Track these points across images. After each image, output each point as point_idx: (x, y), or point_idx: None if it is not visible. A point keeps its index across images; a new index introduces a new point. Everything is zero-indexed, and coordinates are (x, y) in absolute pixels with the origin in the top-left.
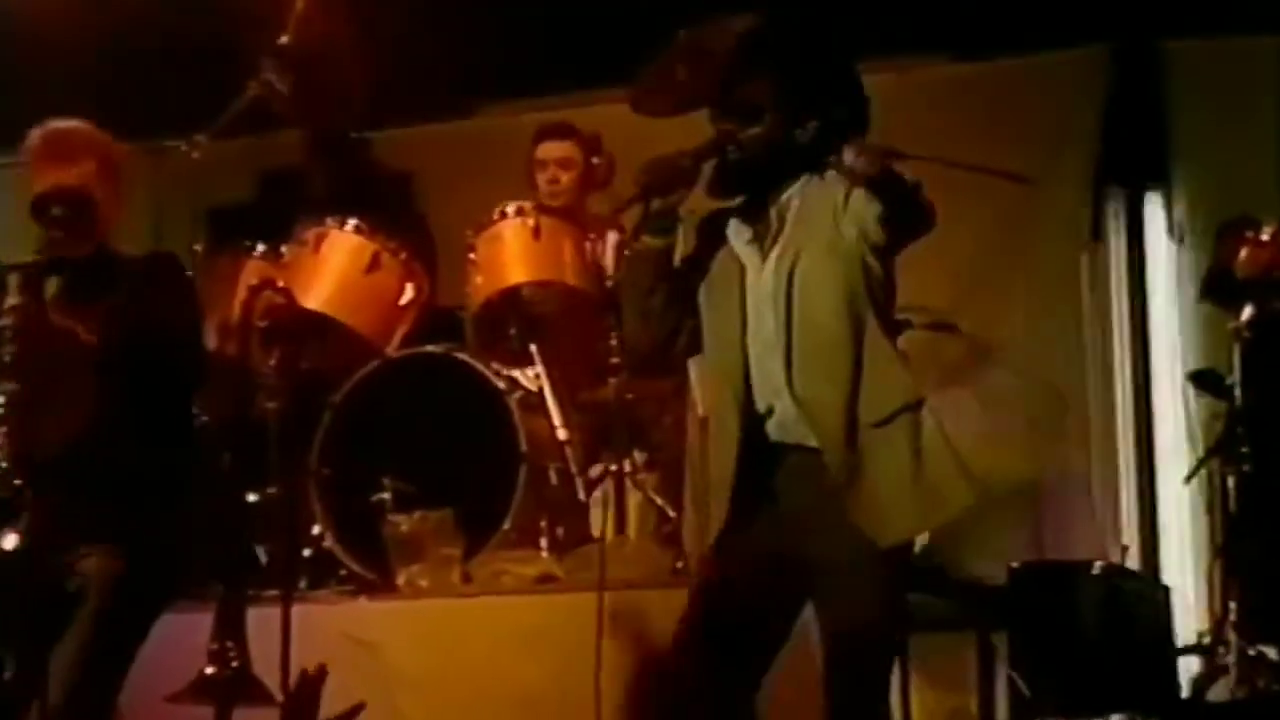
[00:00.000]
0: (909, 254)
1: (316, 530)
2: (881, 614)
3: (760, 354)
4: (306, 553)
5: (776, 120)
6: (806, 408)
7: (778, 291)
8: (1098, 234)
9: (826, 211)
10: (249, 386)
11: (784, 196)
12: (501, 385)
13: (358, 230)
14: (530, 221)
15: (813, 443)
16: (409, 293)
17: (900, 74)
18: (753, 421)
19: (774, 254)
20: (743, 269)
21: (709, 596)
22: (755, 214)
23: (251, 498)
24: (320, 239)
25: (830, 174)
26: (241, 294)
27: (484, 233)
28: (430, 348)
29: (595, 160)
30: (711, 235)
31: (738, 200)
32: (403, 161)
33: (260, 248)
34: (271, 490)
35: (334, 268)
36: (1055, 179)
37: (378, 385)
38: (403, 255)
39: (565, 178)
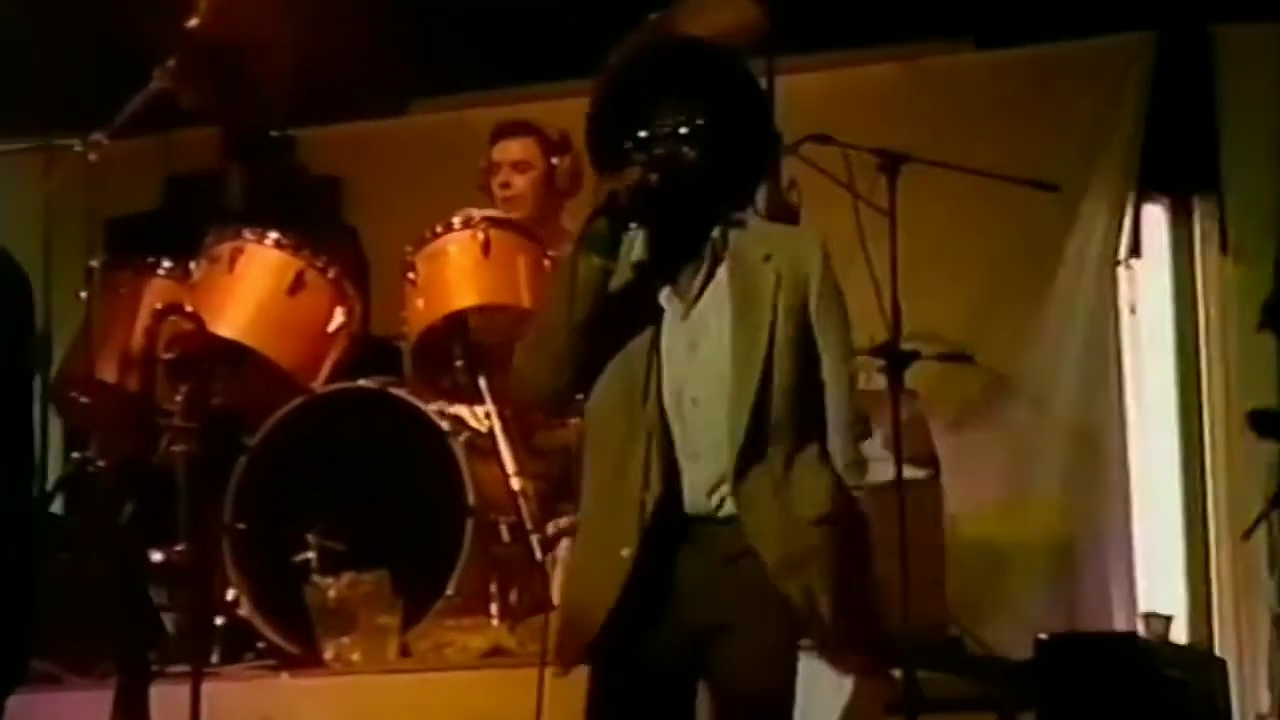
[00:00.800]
0: (917, 274)
1: (231, 595)
2: (782, 681)
3: (705, 415)
4: (219, 621)
5: (701, 150)
6: (745, 501)
7: (712, 355)
8: (1138, 250)
9: (762, 277)
10: (152, 427)
11: (713, 236)
12: (445, 426)
13: (279, 245)
14: (480, 236)
15: (725, 513)
16: (338, 318)
17: (908, 63)
18: (669, 490)
19: (702, 311)
20: (658, 329)
21: (610, 695)
22: (681, 252)
23: (156, 557)
24: (236, 255)
25: (754, 224)
26: (144, 319)
27: (425, 249)
28: (363, 382)
29: (556, 161)
30: (642, 277)
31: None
32: (332, 165)
33: (166, 264)
34: (179, 548)
35: (252, 289)
36: (1088, 186)
37: (302, 426)
38: (331, 274)
39: (520, 182)
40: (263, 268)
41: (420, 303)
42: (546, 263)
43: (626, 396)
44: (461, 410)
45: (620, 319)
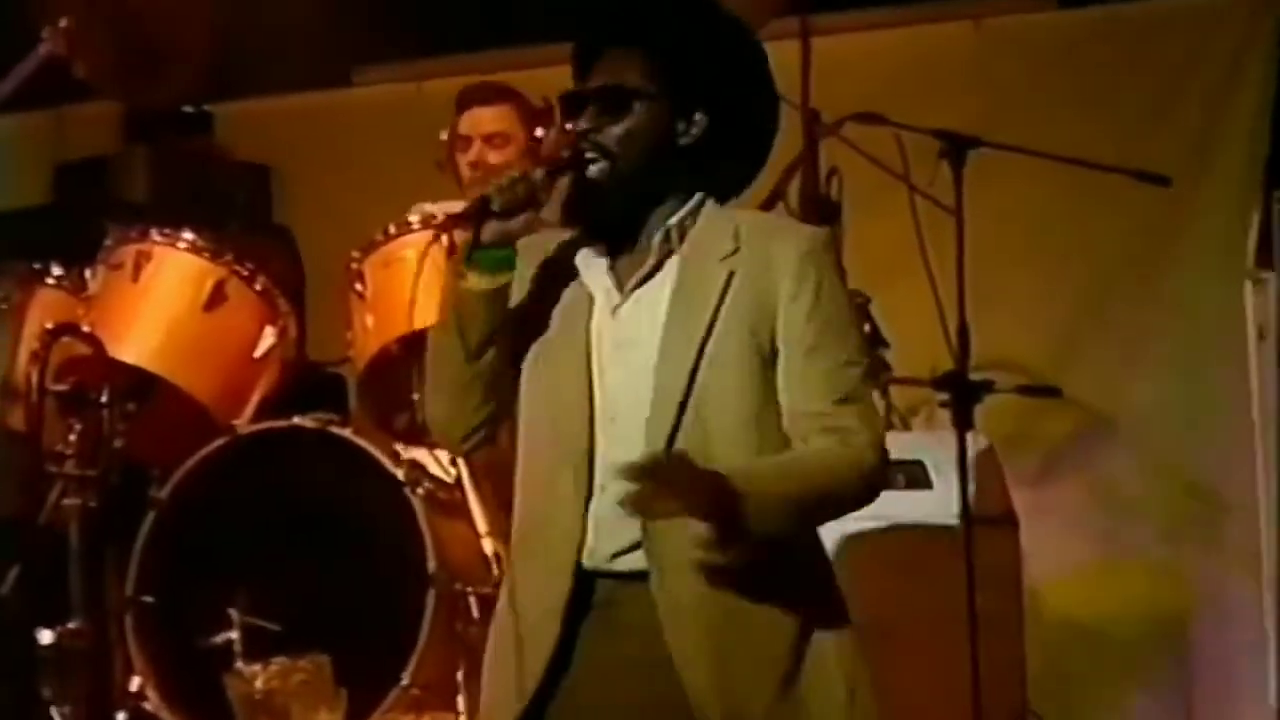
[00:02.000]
0: (990, 287)
1: (135, 685)
2: None
3: (621, 434)
4: (121, 718)
5: (650, 110)
6: (656, 558)
7: (665, 357)
8: (1268, 259)
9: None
10: (40, 475)
11: (666, 222)
12: (401, 474)
13: (195, 249)
14: (444, 237)
15: (630, 567)
16: (268, 338)
17: (976, 24)
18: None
19: (645, 294)
20: (590, 305)
21: None
22: (619, 240)
23: (44, 637)
24: (142, 261)
25: (732, 214)
26: (30, 341)
27: (376, 254)
28: (299, 420)
29: (540, 133)
30: (556, 278)
31: (595, 231)
32: (259, 149)
33: (56, 272)
34: (71, 627)
35: (161, 304)
36: (1205, 180)
37: (223, 474)
38: (259, 285)
39: (495, 160)
40: (175, 277)
41: (369, 320)
42: None
43: (551, 407)
44: (421, 454)
45: (532, 326)
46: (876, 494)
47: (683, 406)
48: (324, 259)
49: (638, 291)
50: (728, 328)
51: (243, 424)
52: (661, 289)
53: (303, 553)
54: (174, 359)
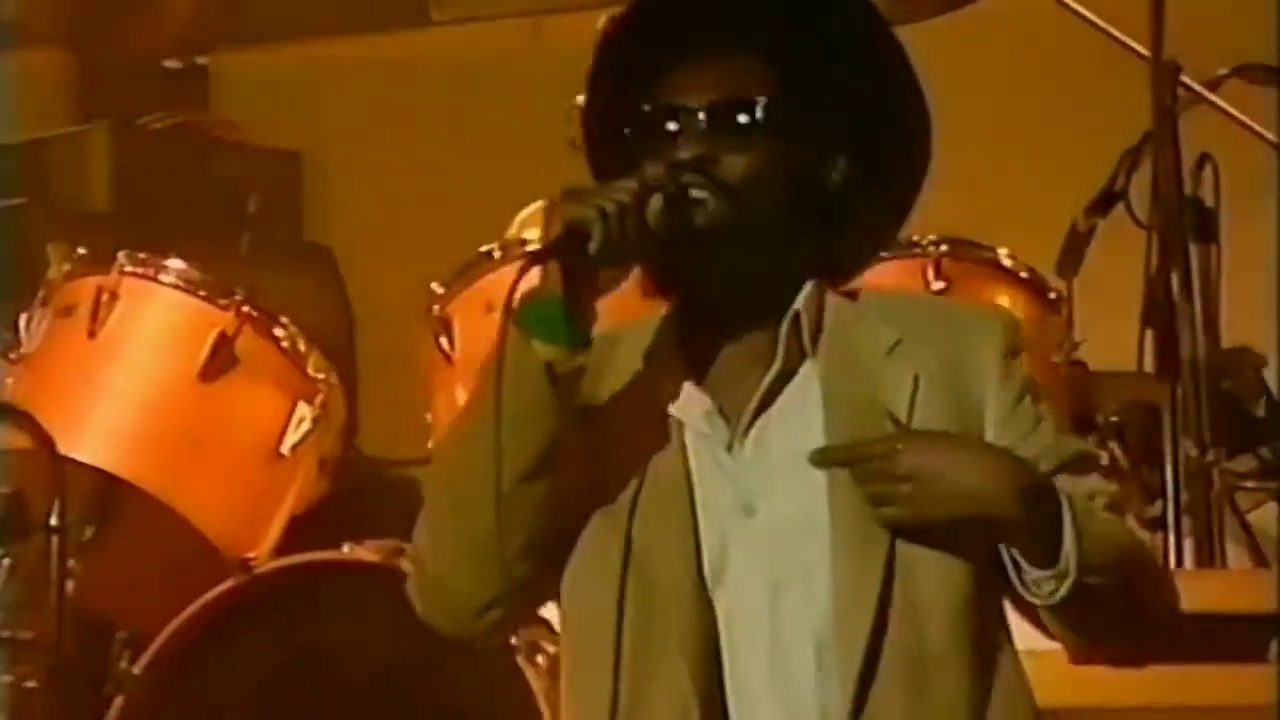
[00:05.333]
0: None
1: None
2: None
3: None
4: None
5: (784, 139)
6: None
7: (783, 528)
8: None
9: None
10: None
11: (792, 306)
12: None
13: (186, 283)
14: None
15: None
16: (301, 423)
17: None
18: None
19: (775, 419)
20: (687, 470)
21: None
22: (711, 332)
23: None
24: (105, 303)
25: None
26: None
27: (470, 289)
28: (351, 549)
29: None
30: (605, 388)
31: (674, 308)
32: (284, 125)
33: None
34: None
35: (136, 370)
36: None
37: (232, 635)
38: (285, 339)
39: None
40: (156, 329)
41: (461, 394)
42: None
43: (636, 593)
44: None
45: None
46: (1170, 617)
47: (888, 580)
48: (384, 296)
49: (763, 417)
50: None
51: (262, 558)
52: (802, 409)
53: None
54: (155, 458)
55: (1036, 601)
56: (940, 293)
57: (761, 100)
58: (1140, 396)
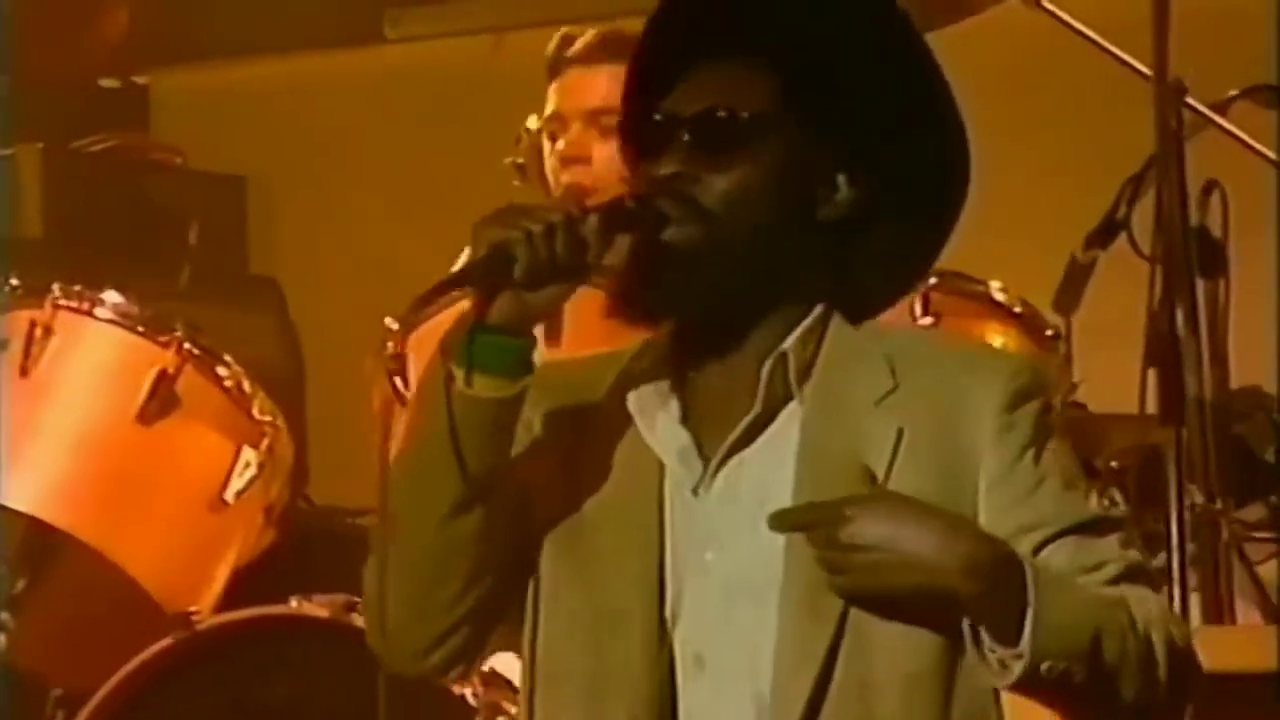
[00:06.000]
0: None
1: None
2: None
3: (717, 685)
4: None
5: (779, 156)
6: None
7: (745, 576)
8: None
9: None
10: None
11: (780, 345)
12: (469, 693)
13: (124, 317)
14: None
15: None
16: (246, 469)
17: None
18: None
19: (749, 463)
20: (660, 475)
21: None
22: (699, 366)
23: None
24: (37, 338)
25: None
26: None
27: (428, 324)
28: (299, 603)
29: None
30: (591, 424)
31: (663, 333)
32: (227, 147)
33: None
34: None
35: (69, 410)
36: None
37: (173, 694)
38: (229, 378)
39: (604, 153)
40: (91, 367)
41: None
42: None
43: (596, 637)
44: (507, 660)
45: (549, 496)
46: (1169, 704)
47: (832, 653)
48: (335, 332)
49: (736, 458)
50: None
51: (205, 612)
52: (777, 455)
53: None
54: (90, 505)
55: (990, 678)
56: (927, 329)
57: (747, 114)
58: (1143, 440)
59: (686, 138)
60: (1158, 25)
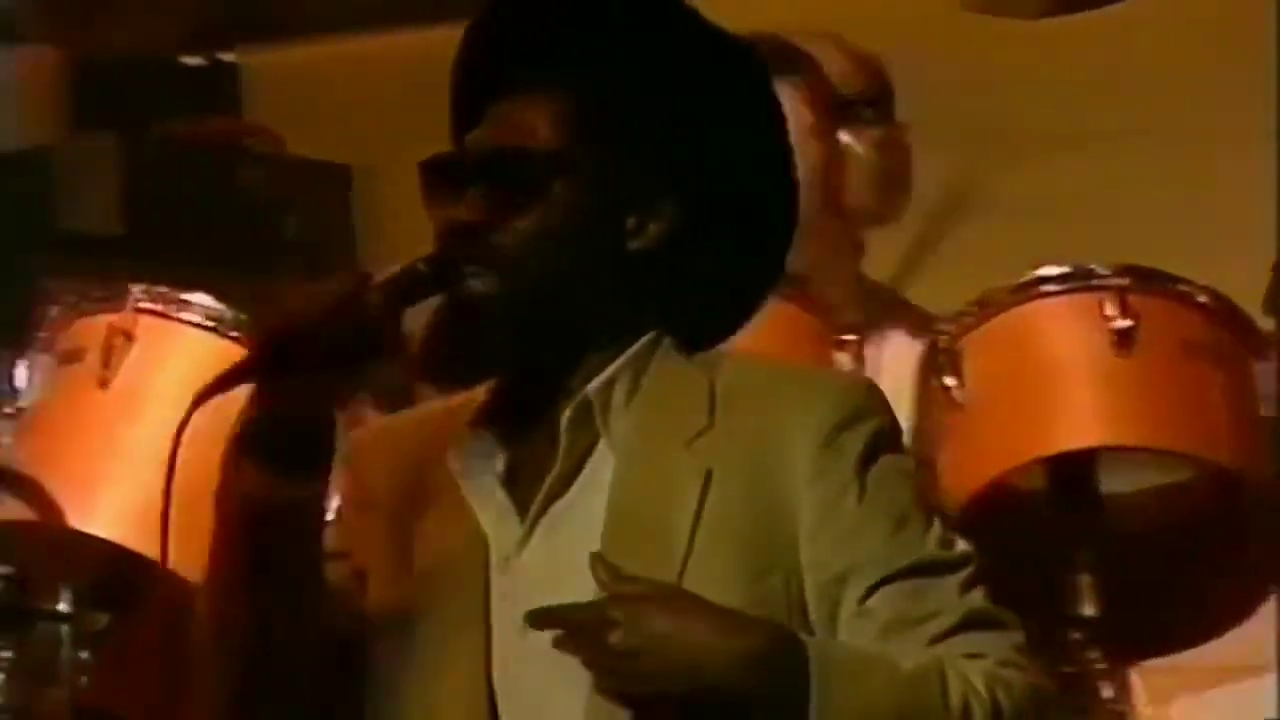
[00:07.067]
0: None
1: None
2: None
3: None
4: None
5: (578, 191)
6: None
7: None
8: None
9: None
10: None
11: (585, 389)
12: None
13: (215, 322)
14: None
15: None
16: None
17: None
18: None
19: (560, 518)
20: (486, 559)
21: None
22: (520, 418)
23: None
24: (117, 345)
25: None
26: None
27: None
28: None
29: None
30: (423, 491)
31: (479, 398)
32: (330, 133)
33: None
34: None
35: (155, 426)
36: None
37: None
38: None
39: None
40: (179, 377)
41: None
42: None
43: (421, 712)
44: None
45: (381, 577)
46: None
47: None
48: None
49: (549, 514)
50: (708, 571)
51: None
52: (587, 508)
53: None
54: (179, 532)
55: None
56: (1125, 332)
57: (539, 151)
58: None
59: (481, 181)
60: None
